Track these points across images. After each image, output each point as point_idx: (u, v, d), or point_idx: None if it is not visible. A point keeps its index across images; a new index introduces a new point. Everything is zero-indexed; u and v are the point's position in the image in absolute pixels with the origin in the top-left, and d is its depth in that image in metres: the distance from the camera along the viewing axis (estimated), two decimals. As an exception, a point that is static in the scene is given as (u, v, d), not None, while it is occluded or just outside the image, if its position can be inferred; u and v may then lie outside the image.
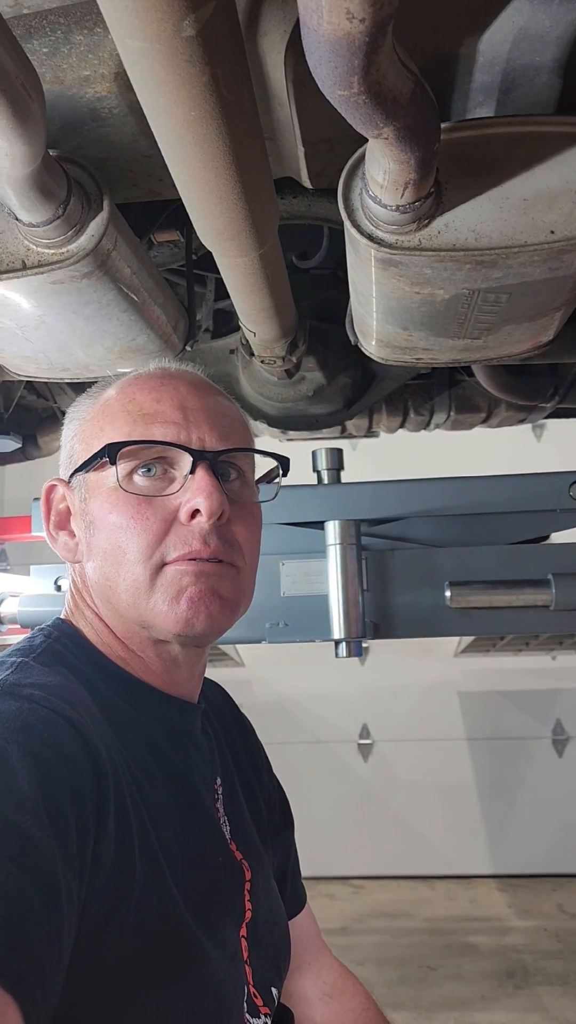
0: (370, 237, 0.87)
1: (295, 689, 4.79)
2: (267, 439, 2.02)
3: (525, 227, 0.87)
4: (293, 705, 4.84)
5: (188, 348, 1.25)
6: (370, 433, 2.14)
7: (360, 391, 1.71)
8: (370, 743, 4.85)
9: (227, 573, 0.81)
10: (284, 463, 0.92)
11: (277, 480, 0.93)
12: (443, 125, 0.87)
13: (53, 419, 2.11)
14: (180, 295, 1.38)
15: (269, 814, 1.01)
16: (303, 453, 1.63)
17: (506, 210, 0.87)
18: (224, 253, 0.96)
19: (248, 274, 1.02)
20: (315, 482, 1.52)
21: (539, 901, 4.20)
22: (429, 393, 1.91)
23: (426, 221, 0.87)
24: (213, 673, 0.97)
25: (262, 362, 1.39)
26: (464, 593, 1.37)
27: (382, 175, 0.78)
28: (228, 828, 0.87)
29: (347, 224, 0.86)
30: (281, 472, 0.92)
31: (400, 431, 2.19)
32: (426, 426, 2.13)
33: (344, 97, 0.63)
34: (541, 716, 4.73)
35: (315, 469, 1.49)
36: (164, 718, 0.83)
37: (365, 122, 0.67)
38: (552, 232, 0.86)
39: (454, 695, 4.79)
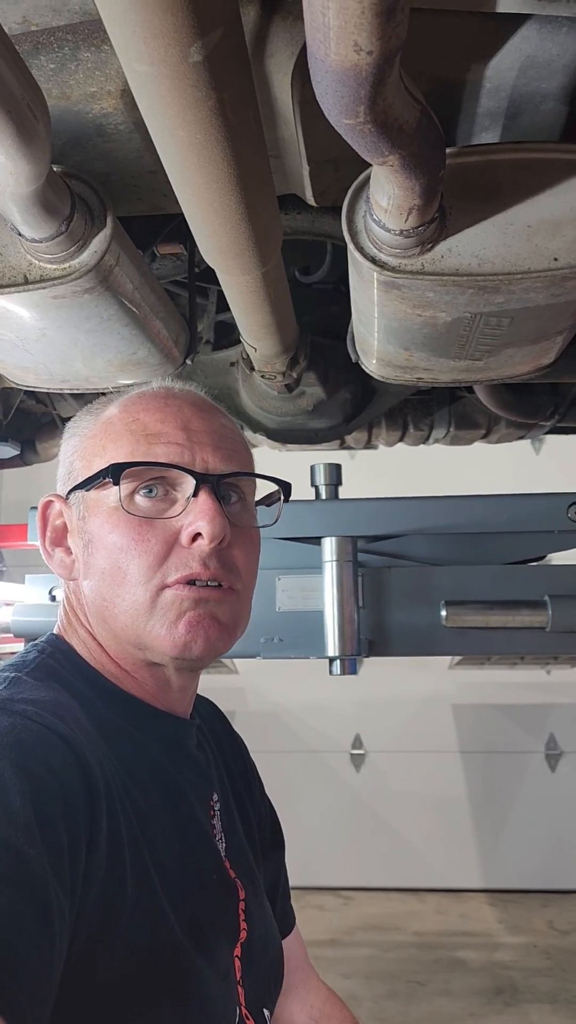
0: (373, 260, 0.87)
1: (289, 698, 4.78)
2: (265, 450, 2.02)
3: (528, 253, 0.87)
4: (286, 714, 4.83)
5: (188, 362, 1.25)
6: (369, 446, 2.15)
7: (360, 406, 1.71)
8: (363, 754, 4.84)
9: (226, 598, 0.81)
10: (286, 488, 0.92)
11: (278, 503, 0.92)
12: (448, 150, 0.87)
13: (52, 425, 2.11)
14: (182, 306, 1.38)
15: (261, 833, 1.01)
16: (302, 466, 1.63)
17: (510, 236, 0.87)
18: (227, 271, 0.96)
19: (250, 292, 1.02)
20: (312, 496, 1.51)
21: (529, 917, 4.19)
22: (429, 409, 1.92)
23: (430, 245, 0.87)
24: (207, 680, 0.96)
25: (263, 376, 1.38)
26: (460, 612, 1.37)
27: (386, 200, 0.78)
28: (224, 845, 0.86)
29: (351, 246, 0.86)
30: (282, 497, 0.92)
31: (399, 444, 2.20)
32: (425, 441, 2.13)
33: (350, 126, 0.63)
34: (535, 730, 4.72)
35: (313, 484, 1.48)
36: (159, 733, 0.83)
37: (371, 149, 0.67)
38: (555, 259, 0.86)
39: (448, 707, 4.78)
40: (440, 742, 4.76)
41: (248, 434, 1.73)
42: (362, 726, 4.83)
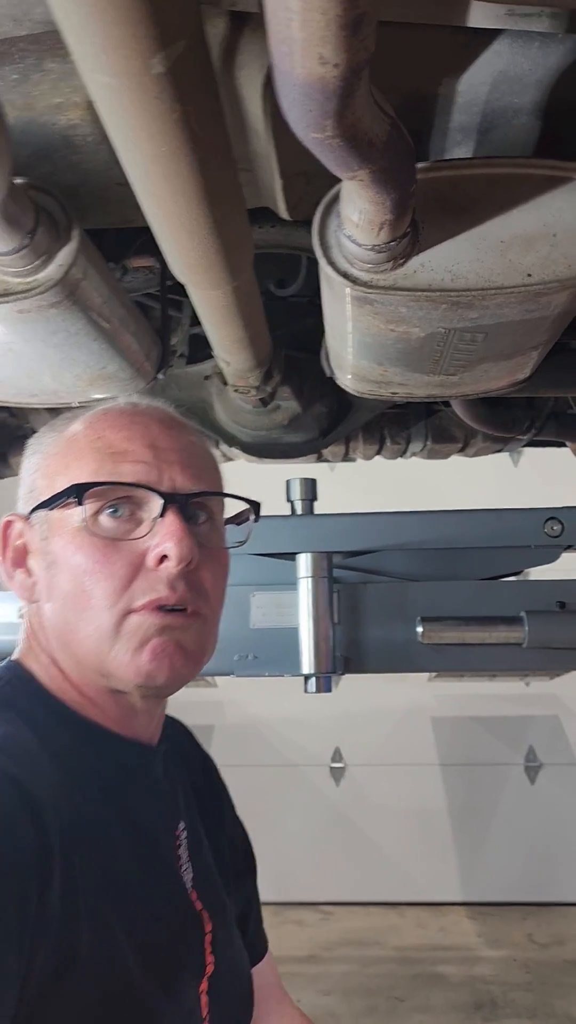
0: (345, 275, 0.85)
1: (267, 711, 4.74)
2: (244, 463, 2.01)
3: (502, 269, 0.86)
4: (265, 727, 4.79)
5: (161, 376, 1.23)
6: (347, 459, 2.14)
7: (336, 420, 1.70)
8: (342, 767, 4.81)
9: (192, 624, 0.79)
10: (256, 507, 0.90)
11: (248, 523, 0.90)
12: (420, 165, 0.86)
13: (26, 439, 2.07)
14: (156, 320, 1.36)
15: (232, 858, 0.98)
16: (277, 480, 1.61)
17: (483, 251, 0.86)
18: (196, 285, 0.95)
19: (221, 306, 1.00)
20: (288, 511, 1.49)
21: (509, 930, 4.18)
22: (406, 422, 1.91)
23: (402, 260, 0.86)
24: (185, 694, 0.93)
25: (236, 391, 1.37)
26: (436, 629, 1.35)
27: (357, 214, 0.77)
28: (191, 875, 0.84)
29: (322, 261, 0.84)
30: (253, 516, 0.90)
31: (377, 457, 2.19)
32: (402, 454, 2.12)
33: (318, 140, 0.62)
34: (514, 742, 4.72)
35: (288, 499, 1.47)
36: (122, 762, 0.80)
37: (340, 164, 0.65)
38: (529, 275, 0.85)
39: (427, 720, 4.77)
40: (420, 755, 4.74)
41: (224, 448, 1.71)
42: (342, 739, 4.80)
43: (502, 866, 4.58)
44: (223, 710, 4.71)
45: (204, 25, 0.67)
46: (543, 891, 4.51)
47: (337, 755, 4.82)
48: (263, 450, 1.70)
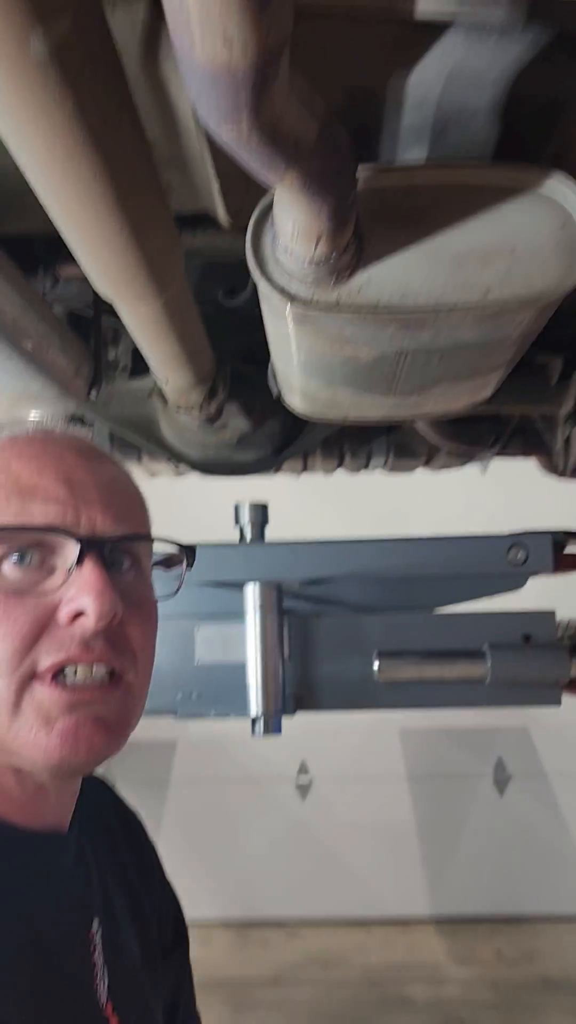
0: (283, 291, 0.76)
1: (232, 725, 4.61)
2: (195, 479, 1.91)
3: (456, 286, 0.77)
4: (229, 742, 4.68)
5: (93, 394, 1.13)
6: (305, 473, 2.06)
7: (292, 435, 1.62)
8: (308, 782, 4.72)
9: (112, 695, 0.67)
10: (190, 553, 0.79)
11: (179, 567, 0.79)
12: (365, 169, 0.78)
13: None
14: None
15: (161, 934, 0.88)
16: (227, 503, 1.52)
17: (435, 266, 0.78)
18: (121, 300, 0.85)
19: (151, 322, 0.91)
20: (236, 538, 1.40)
21: (477, 947, 4.11)
22: (367, 437, 1.83)
23: (346, 275, 0.77)
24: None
25: (178, 409, 1.27)
26: (394, 664, 1.27)
27: (291, 224, 0.68)
28: (106, 983, 0.73)
29: (257, 276, 0.75)
30: (185, 563, 0.79)
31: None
32: (364, 468, 2.05)
33: (232, 137, 0.53)
34: (483, 754, 4.66)
35: (237, 524, 1.37)
36: (24, 862, 0.69)
37: (263, 166, 0.56)
38: (487, 293, 0.76)
39: (395, 732, 4.69)
40: (388, 767, 4.66)
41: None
42: (308, 753, 4.71)
43: (471, 880, 4.52)
44: (186, 724, 4.60)
45: (107, 5, 0.58)
46: (512, 905, 4.45)
47: (303, 769, 4.72)
48: (213, 468, 1.61)
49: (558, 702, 1.29)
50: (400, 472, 2.13)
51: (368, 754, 4.66)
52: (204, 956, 3.73)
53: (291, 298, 0.76)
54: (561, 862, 4.52)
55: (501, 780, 4.65)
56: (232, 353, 1.38)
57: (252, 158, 0.55)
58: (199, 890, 3.92)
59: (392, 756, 4.67)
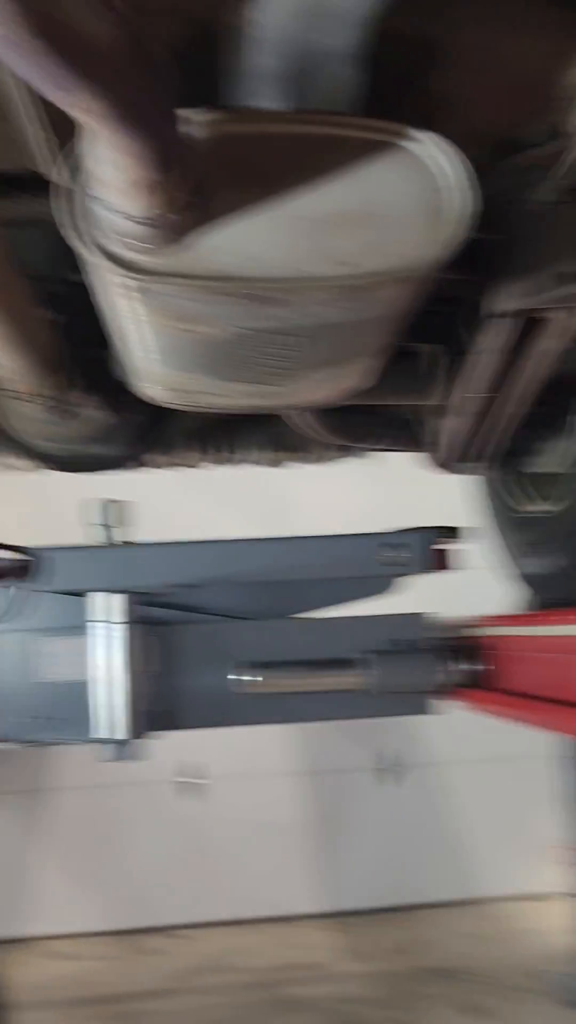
0: (106, 254, 0.63)
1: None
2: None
3: (312, 256, 0.67)
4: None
5: None
6: (171, 467, 1.92)
7: (156, 427, 1.48)
8: (192, 781, 4.60)
9: None
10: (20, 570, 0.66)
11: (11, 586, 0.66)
12: (211, 112, 0.66)
13: None
14: None
15: None
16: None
17: (288, 232, 0.67)
18: None
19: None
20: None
21: (376, 939, 4.10)
22: (234, 430, 1.71)
23: (188, 239, 0.65)
24: None
25: (19, 399, 1.12)
26: (263, 675, 1.15)
27: (109, 170, 0.56)
28: None
29: (69, 235, 0.62)
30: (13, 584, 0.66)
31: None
32: (231, 462, 1.93)
33: (5, 39, 0.40)
34: (370, 745, 4.66)
35: (91, 524, 1.23)
36: None
37: (46, 80, 0.43)
38: (342, 264, 0.66)
39: (284, 727, 4.63)
40: (273, 763, 4.60)
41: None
42: (189, 752, 4.58)
43: (365, 872, 4.52)
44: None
45: None
46: (406, 894, 4.48)
47: (185, 769, 4.59)
48: (72, 464, 1.46)
49: (427, 711, 1.21)
50: (276, 466, 2.03)
51: (252, 750, 4.57)
52: (89, 969, 3.56)
53: (115, 262, 0.63)
54: (458, 849, 4.60)
55: (390, 770, 4.67)
56: (89, 336, 1.24)
57: (33, 69, 0.42)
58: (83, 901, 3.75)
59: (277, 751, 4.61)
